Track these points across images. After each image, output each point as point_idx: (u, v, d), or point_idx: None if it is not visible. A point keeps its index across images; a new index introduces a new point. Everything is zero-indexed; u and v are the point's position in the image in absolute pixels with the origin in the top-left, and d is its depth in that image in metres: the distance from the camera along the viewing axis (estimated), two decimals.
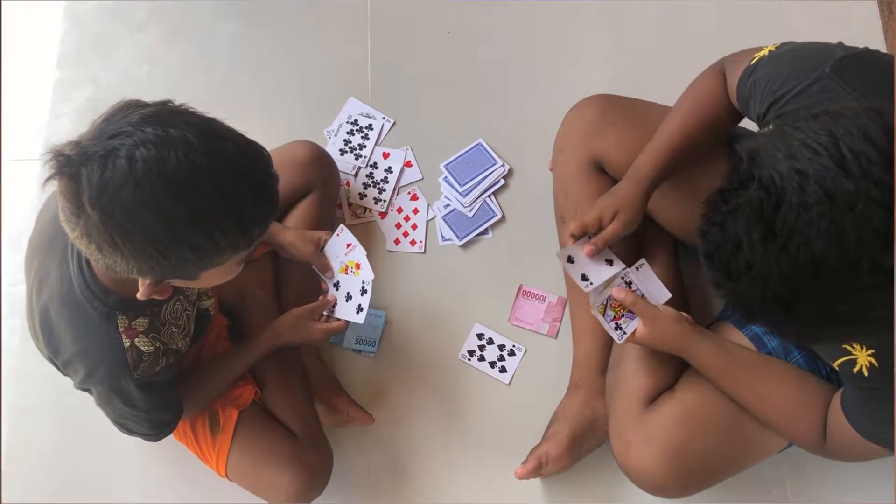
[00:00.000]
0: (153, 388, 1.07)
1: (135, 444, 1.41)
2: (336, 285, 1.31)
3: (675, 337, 1.16)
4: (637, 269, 1.21)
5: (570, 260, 1.20)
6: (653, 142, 1.19)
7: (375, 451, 1.42)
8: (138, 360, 1.02)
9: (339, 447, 1.36)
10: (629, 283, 1.20)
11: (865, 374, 0.96)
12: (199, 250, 0.86)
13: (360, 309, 1.27)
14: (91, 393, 1.09)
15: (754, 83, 1.02)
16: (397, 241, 1.53)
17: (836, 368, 1.01)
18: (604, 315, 1.19)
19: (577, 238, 1.19)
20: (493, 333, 1.47)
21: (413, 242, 1.53)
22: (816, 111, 0.73)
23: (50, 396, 1.44)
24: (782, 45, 1.03)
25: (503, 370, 1.45)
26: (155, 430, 1.15)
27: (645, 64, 1.65)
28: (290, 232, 1.34)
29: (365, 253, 1.29)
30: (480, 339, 1.47)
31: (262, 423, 1.28)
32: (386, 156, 1.59)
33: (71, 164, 0.81)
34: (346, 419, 1.38)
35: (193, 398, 1.22)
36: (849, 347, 0.97)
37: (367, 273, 1.28)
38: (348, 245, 1.31)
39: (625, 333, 1.19)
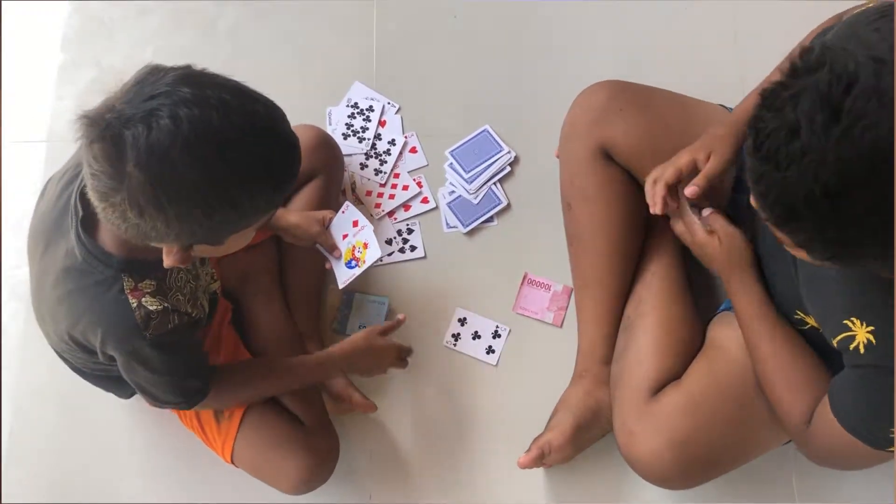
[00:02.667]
0: (170, 349, 1.05)
1: (138, 430, 1.42)
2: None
3: (736, 251, 1.12)
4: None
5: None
6: (753, 91, 1.14)
7: (379, 438, 1.41)
8: (147, 318, 1.00)
9: (342, 434, 1.35)
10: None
11: (861, 350, 0.93)
12: (241, 208, 0.88)
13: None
14: (117, 363, 1.07)
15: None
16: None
17: (836, 346, 0.99)
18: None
19: (669, 189, 1.14)
20: (474, 316, 1.47)
21: (408, 245, 1.53)
22: (886, 10, 0.70)
23: (52, 381, 1.43)
24: None
25: (490, 351, 1.45)
26: (184, 397, 1.12)
27: (654, 50, 1.63)
28: (294, 214, 1.33)
29: (373, 229, 1.28)
30: (463, 324, 1.46)
31: (269, 409, 1.28)
32: (383, 124, 1.58)
33: (111, 127, 0.80)
34: (349, 407, 1.37)
35: (233, 389, 1.20)
36: (849, 324, 0.95)
37: (374, 252, 1.26)
38: (355, 223, 1.30)
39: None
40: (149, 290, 1.01)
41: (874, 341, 0.92)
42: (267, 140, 0.88)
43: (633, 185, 1.31)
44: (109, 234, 0.97)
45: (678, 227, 1.19)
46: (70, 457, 1.42)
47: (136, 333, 1.00)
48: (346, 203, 1.32)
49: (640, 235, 1.32)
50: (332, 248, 1.31)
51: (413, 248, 1.51)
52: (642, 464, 1.18)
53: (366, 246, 1.28)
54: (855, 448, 0.98)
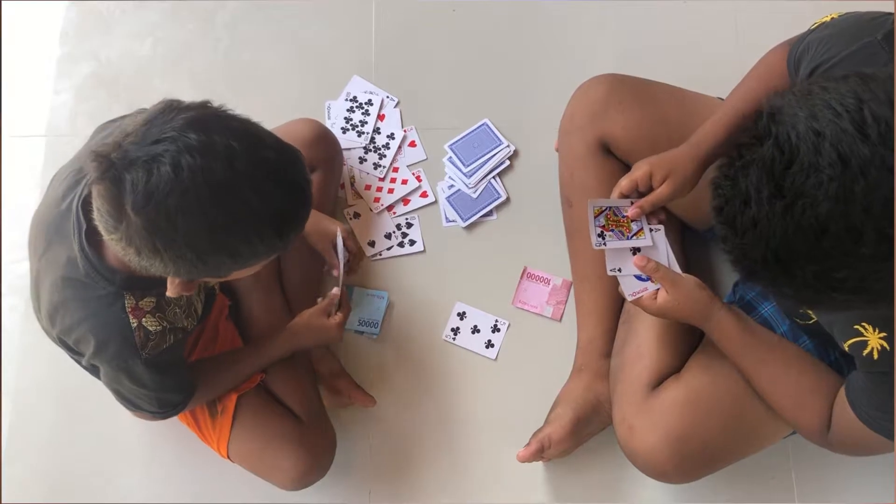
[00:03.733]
0: (161, 367, 1.07)
1: (136, 425, 1.41)
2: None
3: (697, 302, 1.12)
4: (652, 230, 1.16)
5: (600, 213, 1.14)
6: (716, 114, 1.15)
7: (377, 432, 1.41)
8: (146, 339, 1.02)
9: (341, 429, 1.35)
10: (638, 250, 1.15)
11: (875, 356, 0.94)
12: (238, 255, 0.88)
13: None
14: (98, 371, 1.08)
15: (807, 46, 1.00)
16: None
17: (847, 349, 0.99)
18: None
19: (624, 196, 1.15)
20: (474, 310, 1.47)
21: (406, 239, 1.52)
22: (848, 73, 0.71)
23: (51, 375, 1.44)
24: (847, 14, 1.00)
25: (489, 345, 1.45)
26: (162, 408, 1.15)
27: (654, 44, 1.63)
28: (308, 221, 1.32)
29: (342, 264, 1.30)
30: (462, 318, 1.46)
31: (265, 405, 1.28)
32: (382, 118, 1.58)
33: (114, 169, 0.81)
34: (348, 401, 1.37)
35: (203, 389, 1.21)
36: (860, 329, 0.95)
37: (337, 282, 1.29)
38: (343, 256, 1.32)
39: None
40: (149, 309, 1.02)
41: (888, 347, 0.93)
42: (271, 188, 0.86)
43: None
44: (113, 251, 0.97)
45: (634, 300, 1.16)
46: (69, 451, 1.42)
47: (132, 352, 1.02)
48: (339, 234, 1.31)
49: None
50: (333, 266, 1.33)
51: (412, 243, 1.51)
52: (642, 458, 1.18)
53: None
54: (880, 441, 1.00)
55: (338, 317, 1.27)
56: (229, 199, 0.83)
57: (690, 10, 1.66)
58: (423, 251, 1.51)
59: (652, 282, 1.13)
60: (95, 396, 1.40)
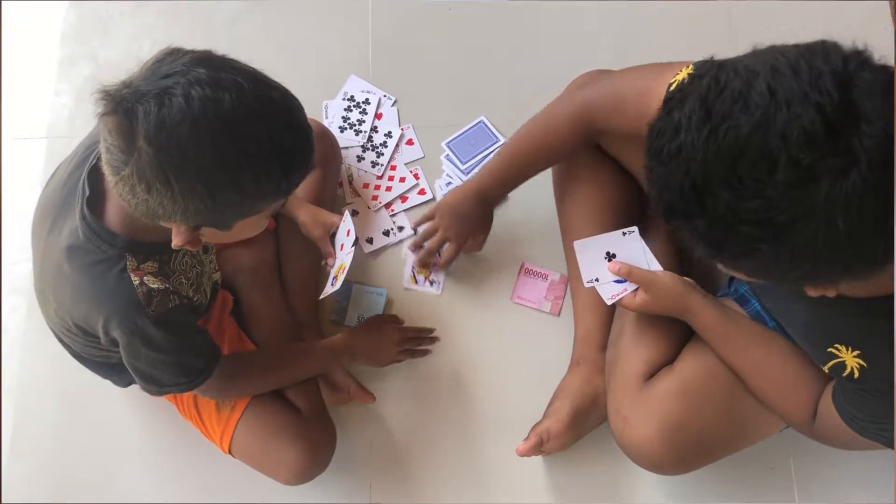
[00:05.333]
0: (173, 327, 1.05)
1: (138, 424, 1.43)
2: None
3: (676, 296, 1.15)
4: (624, 234, 1.19)
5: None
6: (497, 157, 1.30)
7: (377, 428, 1.42)
8: (149, 296, 1.01)
9: (340, 425, 1.36)
10: (613, 255, 1.19)
11: (856, 375, 0.96)
12: (245, 192, 0.88)
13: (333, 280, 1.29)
14: (118, 355, 1.07)
15: None
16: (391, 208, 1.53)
17: (828, 372, 1.01)
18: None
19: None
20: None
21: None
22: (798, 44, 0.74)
23: (54, 375, 1.44)
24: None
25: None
26: (187, 377, 1.11)
27: (649, 41, 1.64)
28: (304, 211, 1.35)
29: (352, 254, 1.29)
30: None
31: (267, 399, 1.28)
32: (379, 116, 1.59)
33: (126, 102, 0.82)
34: (348, 397, 1.38)
35: (250, 381, 1.23)
36: (834, 351, 0.97)
37: (342, 277, 1.28)
38: (348, 233, 1.32)
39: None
40: (151, 271, 1.02)
41: (865, 365, 0.94)
42: (279, 126, 0.88)
43: (624, 174, 1.31)
44: (116, 213, 0.98)
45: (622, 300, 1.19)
46: (71, 450, 1.43)
47: (138, 310, 1.01)
48: (346, 213, 1.34)
49: (634, 222, 1.33)
50: (328, 255, 1.34)
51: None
52: (635, 449, 1.19)
53: (342, 269, 1.29)
54: (866, 442, 1.01)
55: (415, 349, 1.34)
56: (238, 131, 0.84)
57: (686, 7, 1.66)
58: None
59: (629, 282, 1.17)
60: (96, 398, 1.42)
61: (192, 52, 0.88)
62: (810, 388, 1.10)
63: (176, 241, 0.94)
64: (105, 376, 1.28)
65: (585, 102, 1.20)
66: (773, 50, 0.74)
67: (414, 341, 1.42)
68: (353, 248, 1.30)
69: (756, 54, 0.74)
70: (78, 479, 1.41)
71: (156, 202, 0.86)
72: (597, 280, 1.19)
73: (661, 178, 0.76)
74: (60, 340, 1.21)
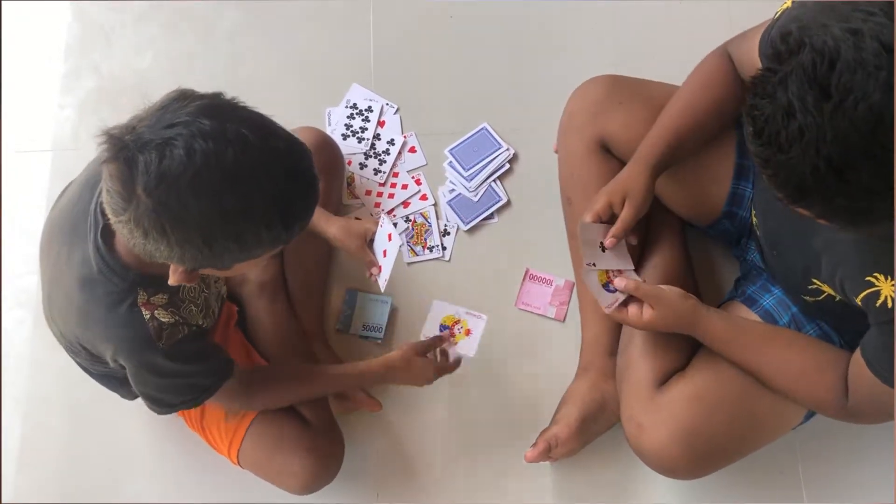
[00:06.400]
0: (184, 356, 1.06)
1: (146, 434, 1.43)
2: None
3: (683, 313, 1.14)
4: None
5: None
6: (657, 124, 1.18)
7: (384, 437, 1.42)
8: (160, 330, 1.02)
9: (347, 433, 1.35)
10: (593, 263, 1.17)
11: (890, 305, 0.93)
12: (243, 242, 0.88)
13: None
14: (126, 377, 1.08)
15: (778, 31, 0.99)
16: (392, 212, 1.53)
17: (860, 304, 0.98)
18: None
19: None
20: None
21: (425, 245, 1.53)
22: None
23: (62, 387, 1.45)
24: None
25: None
26: (192, 394, 1.12)
27: (651, 44, 1.64)
28: (335, 225, 1.31)
29: (399, 245, 1.28)
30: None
31: (276, 410, 1.28)
32: (382, 124, 1.59)
33: (127, 149, 0.82)
34: (354, 406, 1.38)
35: (273, 395, 1.23)
36: (873, 280, 0.94)
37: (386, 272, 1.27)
38: (389, 236, 1.28)
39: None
40: (161, 304, 1.02)
41: None
42: (281, 178, 0.87)
43: None
44: (125, 246, 0.98)
45: (620, 318, 1.18)
46: (79, 462, 1.43)
47: (149, 345, 1.02)
48: (382, 217, 1.32)
49: (641, 227, 1.33)
50: (371, 264, 1.30)
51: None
52: (651, 455, 1.19)
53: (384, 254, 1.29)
54: None
55: (447, 365, 1.31)
56: (239, 185, 0.84)
57: (689, 12, 1.66)
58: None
59: (621, 292, 1.16)
60: (103, 410, 1.42)
61: (201, 97, 0.87)
62: (835, 367, 1.08)
63: (172, 280, 0.94)
64: (111, 389, 1.28)
65: (725, 43, 1.15)
66: (847, 3, 0.71)
67: (444, 360, 1.35)
68: (399, 249, 1.28)
69: (831, 10, 0.71)
70: (86, 489, 1.41)
71: (152, 247, 0.87)
72: (594, 265, 1.17)
73: (784, 165, 0.74)
74: (69, 353, 1.21)
